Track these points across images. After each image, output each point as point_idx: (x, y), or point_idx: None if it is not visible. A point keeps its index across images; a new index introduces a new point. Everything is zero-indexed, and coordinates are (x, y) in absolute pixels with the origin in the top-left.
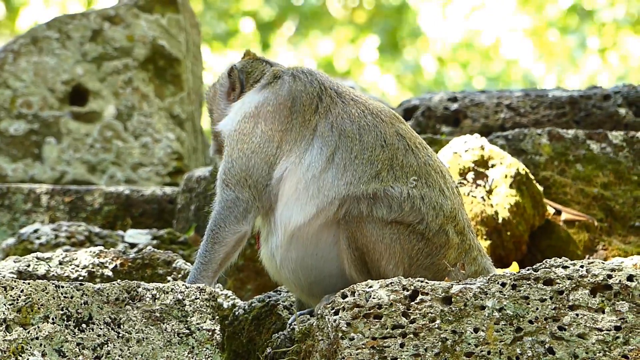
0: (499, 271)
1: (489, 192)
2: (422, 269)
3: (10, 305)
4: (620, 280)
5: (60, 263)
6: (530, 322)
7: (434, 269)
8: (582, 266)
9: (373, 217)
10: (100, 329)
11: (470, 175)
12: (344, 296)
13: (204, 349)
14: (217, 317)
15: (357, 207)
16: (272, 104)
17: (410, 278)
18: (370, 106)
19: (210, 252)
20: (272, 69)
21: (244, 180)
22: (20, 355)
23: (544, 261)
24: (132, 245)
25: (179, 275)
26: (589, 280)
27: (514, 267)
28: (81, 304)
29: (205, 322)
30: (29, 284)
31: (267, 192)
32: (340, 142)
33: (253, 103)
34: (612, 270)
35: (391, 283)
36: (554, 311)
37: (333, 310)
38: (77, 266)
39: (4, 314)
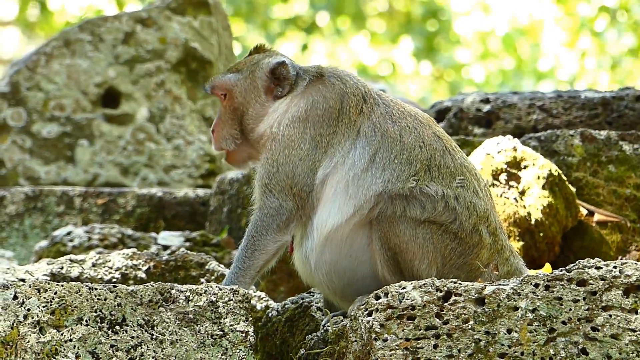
0: (532, 272)
1: (522, 193)
2: (454, 269)
3: (44, 307)
4: None
5: (94, 265)
6: (564, 322)
7: (466, 268)
8: (615, 267)
9: (406, 217)
10: (134, 330)
11: (502, 177)
12: (378, 297)
13: (238, 350)
14: (251, 318)
15: (391, 207)
16: (322, 107)
17: (443, 279)
18: (407, 108)
19: (249, 258)
20: (314, 70)
21: (289, 188)
22: (54, 357)
23: (577, 262)
24: (165, 248)
25: (212, 277)
26: (622, 280)
27: (547, 268)
28: (115, 306)
29: (238, 323)
30: (62, 286)
31: (310, 199)
32: (382, 143)
33: (301, 106)
34: None
35: (424, 284)
36: (587, 312)
37: (366, 312)
38: (111, 268)
39: (37, 316)
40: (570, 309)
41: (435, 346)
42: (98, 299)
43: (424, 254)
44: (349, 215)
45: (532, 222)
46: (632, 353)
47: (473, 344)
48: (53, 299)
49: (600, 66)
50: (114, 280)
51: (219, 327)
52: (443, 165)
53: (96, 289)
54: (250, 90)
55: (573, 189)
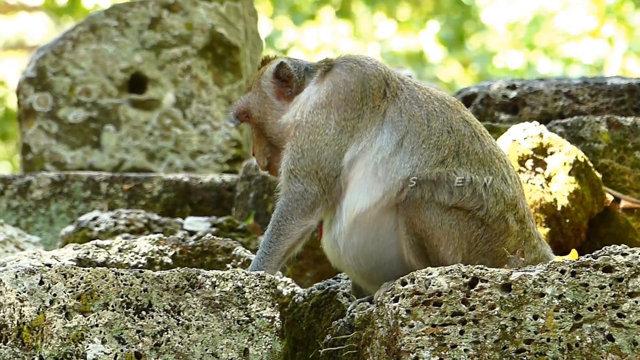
0: (558, 258)
1: (548, 179)
2: (480, 255)
3: (70, 292)
4: None
5: (120, 250)
6: (590, 309)
7: (492, 255)
8: None
9: (433, 202)
10: (160, 316)
11: (529, 163)
12: (404, 283)
13: (264, 336)
14: (277, 304)
15: (419, 192)
16: (343, 92)
17: (469, 265)
18: (433, 92)
19: (274, 243)
20: (324, 60)
21: (314, 173)
22: (80, 342)
23: (603, 248)
24: (191, 233)
25: (239, 263)
26: None
27: (573, 255)
28: (141, 292)
29: (265, 309)
30: (88, 271)
31: (337, 183)
32: (409, 127)
33: (322, 92)
34: None
35: (450, 270)
36: (613, 298)
37: (393, 298)
38: (137, 253)
39: (64, 301)
40: (597, 295)
41: (461, 332)
42: (124, 285)
43: (450, 240)
44: (378, 199)
45: (559, 208)
46: None
47: (499, 330)
48: (79, 284)
49: (630, 51)
50: (140, 265)
51: (245, 312)
52: (472, 152)
53: (122, 274)
54: (262, 102)
55: (599, 176)
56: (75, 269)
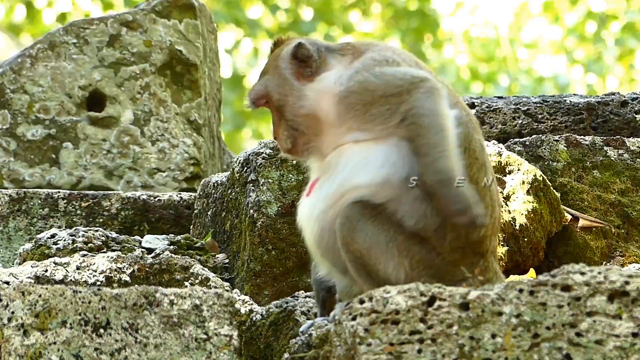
0: (516, 278)
1: (507, 198)
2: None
3: (28, 310)
4: (637, 287)
5: (78, 268)
6: (548, 328)
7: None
8: (599, 272)
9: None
10: (118, 334)
11: None
12: (362, 302)
13: (222, 354)
14: (235, 322)
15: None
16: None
17: (427, 284)
18: None
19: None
20: (347, 44)
21: None
22: None
23: (561, 267)
24: (149, 251)
25: (197, 281)
26: (606, 286)
27: (532, 274)
28: (99, 309)
29: (222, 327)
30: (46, 289)
31: None
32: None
33: (360, 64)
34: (630, 276)
35: (409, 289)
36: (571, 317)
37: (351, 316)
38: (95, 271)
39: (22, 318)
40: (555, 315)
41: (419, 351)
42: (82, 302)
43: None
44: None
45: (517, 227)
46: (616, 359)
47: (457, 349)
48: (37, 302)
49: (590, 70)
50: (98, 283)
51: (203, 330)
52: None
53: (80, 292)
54: (282, 84)
55: (557, 194)
56: (33, 286)
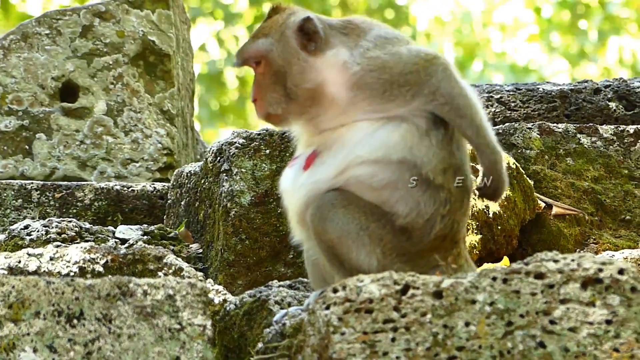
0: (490, 266)
1: None
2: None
3: (1, 301)
4: (611, 274)
5: (51, 259)
6: (521, 316)
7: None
8: (573, 260)
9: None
10: (92, 324)
11: None
12: (335, 291)
13: (195, 344)
14: (208, 312)
15: None
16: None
17: (401, 272)
18: None
19: None
20: (349, 22)
21: None
22: (12, 352)
23: (534, 255)
24: (123, 241)
25: (170, 271)
26: (579, 274)
27: (505, 262)
28: (72, 300)
29: (196, 317)
30: (20, 280)
31: None
32: None
33: (371, 42)
34: (603, 264)
35: (382, 277)
36: (545, 305)
37: (324, 305)
38: (68, 262)
39: None
40: (528, 302)
41: (393, 339)
42: (56, 293)
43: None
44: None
45: (490, 215)
46: (590, 346)
47: (431, 337)
48: (10, 293)
49: (567, 57)
50: (71, 274)
51: (177, 320)
52: None
53: (54, 282)
54: (288, 51)
55: (531, 182)
56: (6, 277)
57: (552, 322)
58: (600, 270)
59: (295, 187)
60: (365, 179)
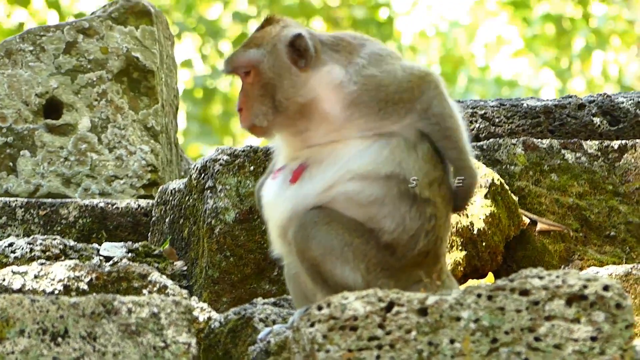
0: (475, 282)
1: None
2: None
3: None
4: (596, 291)
5: (36, 277)
6: (506, 332)
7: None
8: (557, 276)
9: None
10: (76, 342)
11: None
12: (320, 308)
13: None
14: (193, 330)
15: None
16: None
17: (385, 290)
18: None
19: None
20: (343, 39)
21: None
22: None
23: (519, 272)
24: (107, 259)
25: (155, 289)
26: (564, 290)
27: (490, 278)
28: (57, 318)
29: (181, 335)
30: (4, 297)
31: None
32: None
33: (366, 58)
34: (588, 280)
35: (367, 295)
36: (529, 322)
37: (309, 323)
38: (53, 280)
39: None
40: (513, 319)
41: (378, 357)
42: (40, 311)
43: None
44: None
45: (475, 231)
46: None
47: (416, 355)
48: None
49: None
50: (56, 292)
51: (162, 338)
52: None
53: (38, 300)
54: (279, 65)
55: (515, 198)
56: None
57: (537, 338)
58: (585, 286)
59: (280, 199)
60: (353, 195)
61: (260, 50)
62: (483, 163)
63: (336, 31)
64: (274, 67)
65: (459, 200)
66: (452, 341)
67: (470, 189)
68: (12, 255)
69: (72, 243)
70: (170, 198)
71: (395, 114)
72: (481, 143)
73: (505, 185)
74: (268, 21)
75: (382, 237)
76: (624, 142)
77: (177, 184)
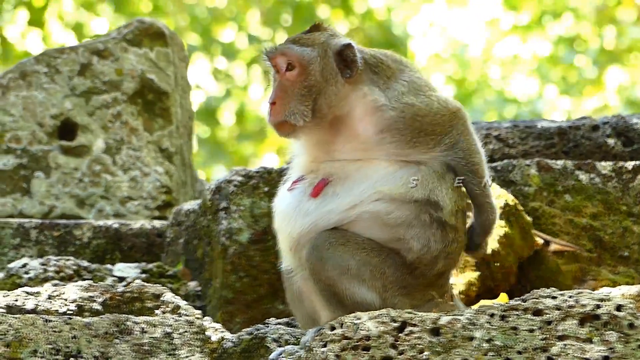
0: (488, 302)
1: None
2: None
3: None
4: (608, 310)
5: (49, 297)
6: (519, 352)
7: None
8: (570, 296)
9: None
10: None
11: None
12: (333, 328)
13: None
14: (206, 350)
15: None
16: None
17: (398, 310)
18: None
19: None
20: (384, 62)
21: None
22: None
23: (532, 292)
24: (121, 279)
25: (168, 309)
26: (577, 310)
27: (503, 298)
28: (70, 338)
29: (193, 355)
30: (17, 318)
31: None
32: None
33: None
34: (601, 300)
35: (380, 315)
36: (542, 341)
37: (322, 343)
38: (66, 300)
39: None
40: (526, 339)
41: None
42: (53, 331)
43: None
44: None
45: (489, 252)
46: None
47: None
48: (8, 331)
49: (564, 93)
50: (69, 312)
51: (175, 358)
52: None
53: (51, 321)
54: (328, 71)
55: (529, 219)
56: (4, 316)
57: (549, 358)
58: (598, 306)
59: (298, 212)
60: (382, 215)
61: (312, 51)
62: (497, 184)
63: (374, 48)
64: (324, 71)
65: (479, 236)
66: None
67: (491, 225)
68: (26, 276)
69: (85, 264)
70: (185, 219)
71: (424, 144)
72: (495, 164)
73: (519, 206)
74: (316, 27)
75: (406, 256)
76: (637, 163)
77: (191, 205)
